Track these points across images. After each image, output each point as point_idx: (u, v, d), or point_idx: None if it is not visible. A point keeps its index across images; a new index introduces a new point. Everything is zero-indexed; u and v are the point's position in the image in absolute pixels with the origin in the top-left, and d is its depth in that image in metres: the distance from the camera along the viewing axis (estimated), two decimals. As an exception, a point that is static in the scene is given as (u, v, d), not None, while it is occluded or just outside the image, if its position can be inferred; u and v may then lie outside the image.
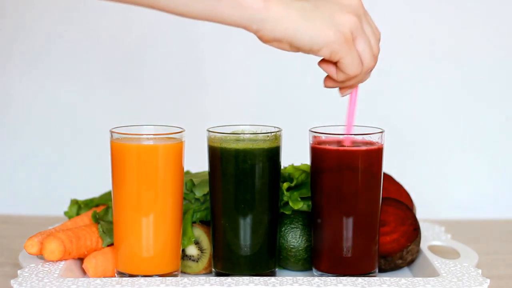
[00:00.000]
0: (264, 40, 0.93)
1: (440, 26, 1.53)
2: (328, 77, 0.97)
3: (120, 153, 1.00)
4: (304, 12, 0.91)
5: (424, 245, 1.12)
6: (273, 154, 1.02)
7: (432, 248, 1.15)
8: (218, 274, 1.04)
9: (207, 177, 1.06)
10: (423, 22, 1.53)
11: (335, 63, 0.94)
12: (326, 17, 0.91)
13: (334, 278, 0.98)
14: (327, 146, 1.02)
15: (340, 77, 0.95)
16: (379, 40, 0.96)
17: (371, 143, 1.02)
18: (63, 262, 1.03)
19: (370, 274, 1.03)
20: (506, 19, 1.52)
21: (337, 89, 0.98)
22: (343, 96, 1.00)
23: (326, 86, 0.98)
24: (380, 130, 1.02)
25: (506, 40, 1.53)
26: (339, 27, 0.91)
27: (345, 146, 1.01)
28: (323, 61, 0.95)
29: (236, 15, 0.90)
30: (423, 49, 1.52)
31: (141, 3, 0.90)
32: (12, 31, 1.51)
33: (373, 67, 0.96)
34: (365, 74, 0.96)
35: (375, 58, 0.95)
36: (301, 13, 0.91)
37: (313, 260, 1.05)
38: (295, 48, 0.92)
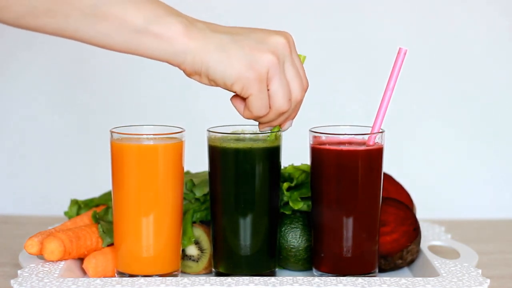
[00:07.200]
0: (187, 73, 0.93)
1: (438, 28, 1.53)
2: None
3: (120, 153, 1.00)
4: (221, 45, 0.90)
5: (424, 245, 1.12)
6: (273, 154, 1.02)
7: (432, 248, 1.15)
8: (218, 274, 1.04)
9: (207, 177, 1.06)
10: (422, 23, 1.53)
11: (245, 99, 0.94)
12: (243, 53, 0.90)
13: (334, 278, 0.98)
14: (327, 146, 1.02)
15: (246, 114, 0.95)
16: (303, 86, 0.94)
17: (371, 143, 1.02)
18: (63, 262, 1.03)
19: (370, 274, 1.03)
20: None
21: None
22: (261, 130, 0.99)
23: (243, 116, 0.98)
24: (380, 130, 1.02)
25: (505, 40, 1.53)
26: (254, 64, 0.90)
27: (347, 146, 1.01)
28: (235, 96, 0.95)
29: (159, 49, 0.90)
30: (423, 50, 1.52)
31: (62, 34, 0.89)
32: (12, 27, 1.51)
33: (287, 110, 0.94)
34: (275, 115, 0.95)
35: (289, 102, 0.94)
36: (217, 46, 0.90)
37: (313, 260, 1.05)
38: (213, 81, 0.92)
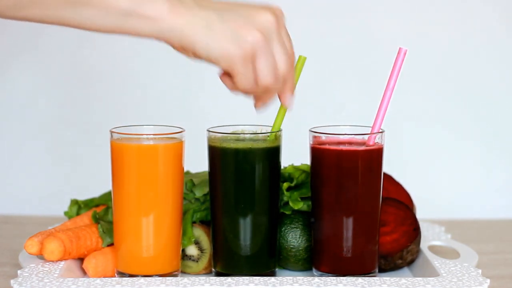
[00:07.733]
0: (174, 48, 0.93)
1: (438, 28, 1.53)
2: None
3: (120, 153, 1.00)
4: (208, 22, 0.90)
5: (424, 245, 1.12)
6: (273, 154, 1.02)
7: (432, 248, 1.15)
8: (218, 274, 1.04)
9: (207, 177, 1.06)
10: (422, 23, 1.53)
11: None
12: (230, 30, 0.90)
13: (334, 278, 0.98)
14: (327, 146, 1.02)
15: (234, 90, 0.95)
16: (291, 62, 0.94)
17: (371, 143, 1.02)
18: (63, 262, 1.03)
19: (370, 274, 1.03)
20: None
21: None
22: (257, 110, 0.99)
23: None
24: (380, 130, 1.02)
25: (505, 40, 1.53)
26: (240, 42, 0.90)
27: (347, 146, 1.01)
28: (224, 73, 0.95)
29: (146, 28, 0.90)
30: (423, 50, 1.52)
31: (48, 21, 0.89)
32: (12, 27, 1.51)
33: (274, 86, 0.94)
34: (264, 92, 0.95)
35: (277, 78, 0.93)
36: (204, 23, 0.90)
37: (313, 260, 1.05)
38: (198, 57, 0.92)
